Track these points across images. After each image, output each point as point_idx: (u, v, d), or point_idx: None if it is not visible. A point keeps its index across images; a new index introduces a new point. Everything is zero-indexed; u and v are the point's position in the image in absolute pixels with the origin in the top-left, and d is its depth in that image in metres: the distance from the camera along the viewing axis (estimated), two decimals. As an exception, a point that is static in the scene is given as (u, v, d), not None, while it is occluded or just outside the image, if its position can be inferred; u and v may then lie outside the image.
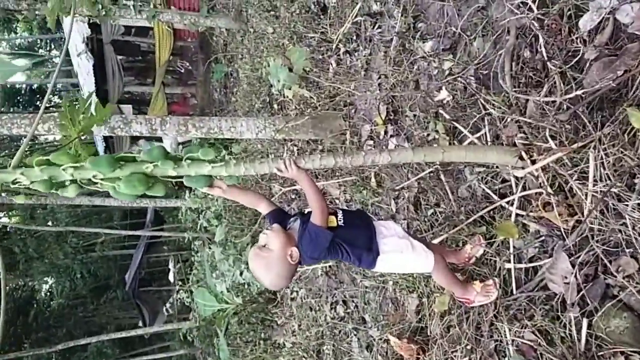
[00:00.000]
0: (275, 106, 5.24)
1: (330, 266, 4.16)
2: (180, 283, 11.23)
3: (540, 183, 1.75)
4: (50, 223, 16.72)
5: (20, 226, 14.28)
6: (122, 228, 17.09)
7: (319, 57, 3.79)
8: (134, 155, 1.65)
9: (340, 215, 1.90)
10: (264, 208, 1.92)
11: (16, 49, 21.27)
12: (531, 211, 1.83)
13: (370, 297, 3.40)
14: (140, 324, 16.44)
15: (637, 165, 1.33)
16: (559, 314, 1.67)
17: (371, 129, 3.25)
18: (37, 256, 18.62)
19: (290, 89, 3.14)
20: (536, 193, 1.80)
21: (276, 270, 1.72)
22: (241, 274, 4.68)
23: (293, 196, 4.98)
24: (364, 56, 3.25)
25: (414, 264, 1.88)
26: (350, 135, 3.55)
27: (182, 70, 12.82)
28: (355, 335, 3.65)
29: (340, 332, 3.94)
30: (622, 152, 1.38)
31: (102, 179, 1.56)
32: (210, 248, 5.65)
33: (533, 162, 1.74)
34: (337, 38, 3.45)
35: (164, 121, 3.41)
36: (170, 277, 19.78)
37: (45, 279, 22.08)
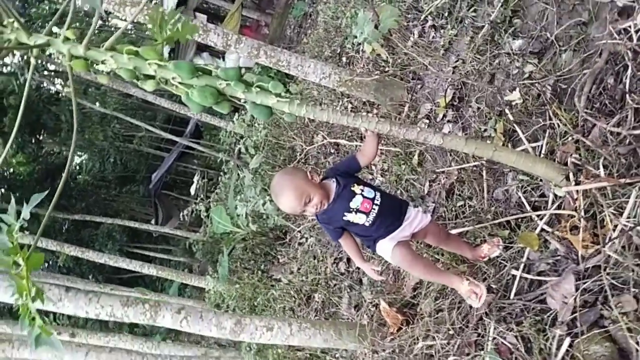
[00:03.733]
0: (344, 59, 5.25)
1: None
2: (200, 197, 11.69)
3: (576, 207, 1.78)
4: (98, 104, 17.36)
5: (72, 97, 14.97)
6: (162, 130, 17.65)
7: (404, 23, 3.76)
8: (211, 69, 1.75)
9: (372, 216, 1.93)
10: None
11: None
12: (557, 230, 1.88)
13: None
14: (153, 222, 17.31)
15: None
16: (547, 327, 1.76)
17: (431, 109, 3.27)
18: (79, 130, 19.63)
19: (370, 44, 3.17)
20: (569, 215, 1.84)
21: (287, 203, 1.88)
22: (264, 204, 4.88)
23: (332, 150, 5.08)
24: (449, 35, 3.22)
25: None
26: (408, 109, 3.58)
27: (265, -3, 12.76)
28: (348, 292, 3.83)
29: (335, 285, 4.13)
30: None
31: (180, 83, 1.68)
32: (242, 171, 5.88)
33: (577, 184, 1.78)
34: (429, 9, 3.41)
35: (239, 39, 3.51)
36: (192, 190, 20.55)
37: (80, 153, 23.31)
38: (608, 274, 1.57)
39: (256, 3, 13.25)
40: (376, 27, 3.08)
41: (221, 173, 10.59)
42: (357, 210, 1.92)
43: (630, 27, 1.79)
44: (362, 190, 1.95)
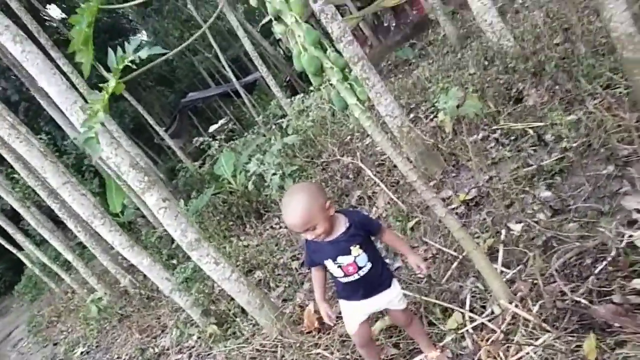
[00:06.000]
0: (411, 115, 5.66)
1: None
2: (217, 138, 12.09)
3: (502, 327, 2.11)
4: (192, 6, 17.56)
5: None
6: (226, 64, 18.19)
7: (478, 122, 4.15)
8: (327, 47, 2.05)
9: (347, 279, 1.92)
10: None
11: None
12: (476, 334, 2.21)
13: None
14: (163, 129, 17.68)
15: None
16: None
17: (450, 197, 3.63)
18: (161, 13, 20.34)
19: (445, 115, 3.57)
20: (492, 329, 2.16)
21: (292, 219, 1.79)
22: (273, 174, 5.21)
23: (351, 175, 5.42)
24: (503, 155, 3.60)
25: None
26: (433, 186, 3.94)
27: (385, 24, 13.43)
28: (285, 286, 4.13)
29: (278, 275, 4.43)
30: (565, 357, 1.74)
31: (301, 43, 1.95)
32: (275, 138, 6.22)
33: (515, 307, 2.11)
34: (503, 125, 3.80)
35: (352, 41, 3.88)
36: (212, 128, 21.07)
37: (143, 30, 23.89)
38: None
39: (375, 24, 13.91)
40: (458, 107, 3.48)
41: (249, 132, 10.98)
42: (340, 266, 1.93)
43: (626, 234, 2.15)
44: (358, 255, 1.91)
